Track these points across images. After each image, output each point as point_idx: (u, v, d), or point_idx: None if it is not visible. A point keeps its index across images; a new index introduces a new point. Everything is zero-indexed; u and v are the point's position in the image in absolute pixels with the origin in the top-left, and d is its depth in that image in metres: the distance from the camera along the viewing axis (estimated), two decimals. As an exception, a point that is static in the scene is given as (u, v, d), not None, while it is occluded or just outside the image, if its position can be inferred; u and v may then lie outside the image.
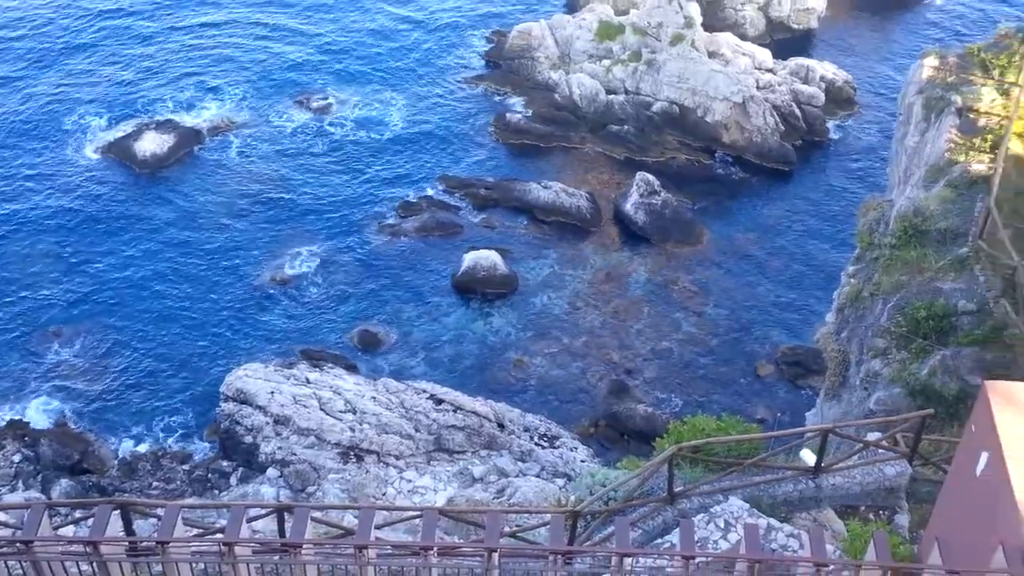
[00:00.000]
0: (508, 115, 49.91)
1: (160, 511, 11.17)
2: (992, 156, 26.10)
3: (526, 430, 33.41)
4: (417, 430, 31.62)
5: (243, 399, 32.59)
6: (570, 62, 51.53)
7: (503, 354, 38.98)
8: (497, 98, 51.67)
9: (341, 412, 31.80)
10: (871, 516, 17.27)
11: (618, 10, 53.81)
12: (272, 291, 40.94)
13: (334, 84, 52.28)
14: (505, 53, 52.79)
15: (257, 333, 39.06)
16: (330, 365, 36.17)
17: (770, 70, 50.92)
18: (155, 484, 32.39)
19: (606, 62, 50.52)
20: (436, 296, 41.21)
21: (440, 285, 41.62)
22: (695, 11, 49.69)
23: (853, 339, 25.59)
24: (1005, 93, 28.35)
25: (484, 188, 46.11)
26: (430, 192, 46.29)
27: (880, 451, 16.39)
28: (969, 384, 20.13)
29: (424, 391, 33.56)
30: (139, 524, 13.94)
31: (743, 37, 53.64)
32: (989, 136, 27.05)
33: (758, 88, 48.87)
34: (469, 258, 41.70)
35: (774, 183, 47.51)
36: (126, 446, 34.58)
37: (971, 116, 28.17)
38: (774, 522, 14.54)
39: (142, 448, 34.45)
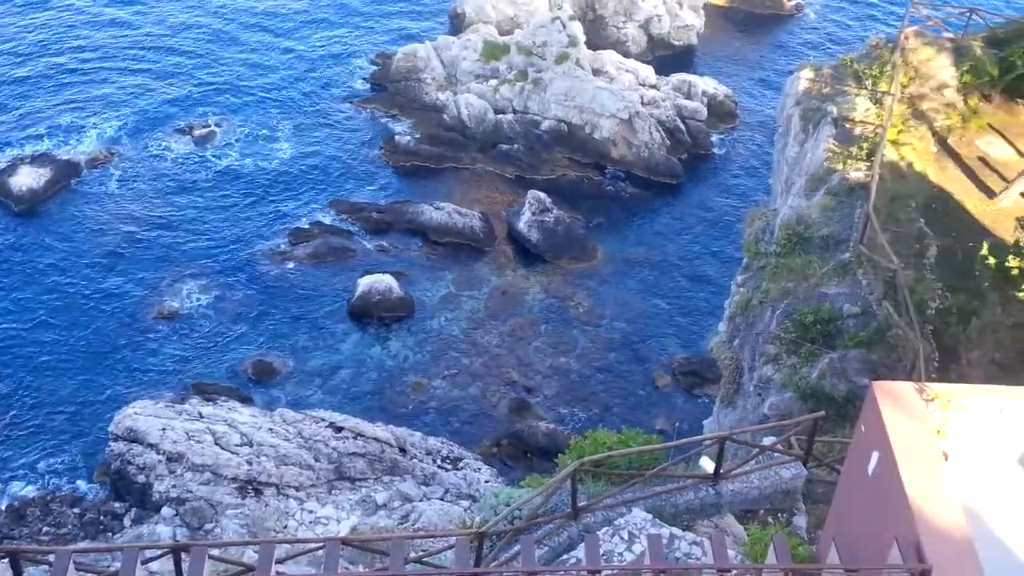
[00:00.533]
0: (397, 137, 49.67)
1: (51, 557, 10.79)
2: (868, 164, 27.04)
3: (428, 453, 33.09)
4: (317, 460, 30.99)
5: (133, 438, 31.45)
6: (457, 83, 51.60)
7: (402, 378, 38.60)
8: (385, 121, 51.37)
9: (237, 446, 30.95)
10: (770, 519, 17.55)
11: (502, 30, 54.19)
12: (160, 327, 39.69)
13: (218, 114, 51.14)
14: (391, 76, 52.58)
15: (146, 371, 37.81)
16: (224, 398, 35.21)
17: (653, 86, 51.91)
18: (45, 529, 30.98)
19: (493, 82, 50.77)
20: (331, 322, 40.59)
21: (335, 311, 41.01)
22: (578, 30, 50.38)
23: (745, 346, 26.10)
24: (878, 102, 29.43)
25: (376, 212, 45.72)
26: (321, 218, 45.65)
27: (776, 455, 16.69)
28: (857, 385, 20.69)
29: (323, 419, 32.95)
30: (30, 572, 13.27)
31: (626, 54, 54.60)
32: (865, 144, 28.02)
33: (643, 104, 49.76)
34: (364, 283, 41.23)
35: (663, 197, 48.37)
36: (13, 492, 33.01)
37: (847, 125, 29.17)
38: (677, 531, 14.64)
39: (30, 494, 32.92)
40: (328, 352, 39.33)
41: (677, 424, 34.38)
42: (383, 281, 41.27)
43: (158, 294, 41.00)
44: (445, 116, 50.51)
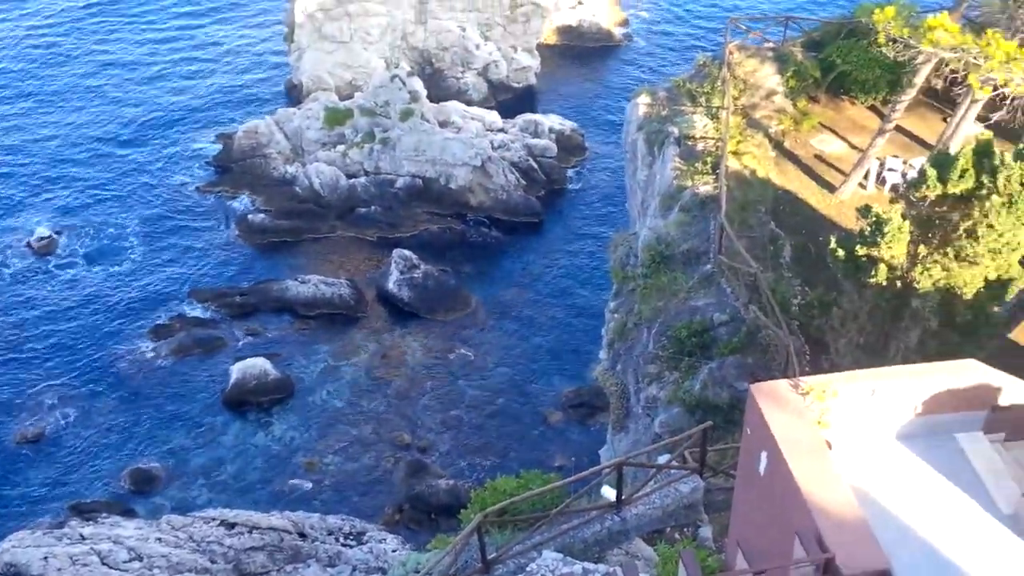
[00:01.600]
0: (250, 216, 48.71)
1: None
2: (715, 176, 27.87)
3: (330, 533, 32.06)
4: (213, 561, 29.62)
5: (15, 572, 29.46)
6: (304, 153, 51.11)
7: (291, 460, 37.48)
8: (235, 202, 50.26)
9: (126, 562, 29.31)
10: (677, 536, 17.60)
11: (343, 95, 54.06)
12: (24, 451, 37.48)
13: (54, 220, 48.90)
14: (234, 155, 51.66)
15: (17, 500, 35.61)
16: (104, 515, 33.36)
17: (501, 130, 52.55)
18: None
19: (340, 147, 50.48)
20: (208, 417, 39.16)
21: (210, 404, 39.61)
22: (419, 85, 50.66)
23: (628, 370, 26.34)
24: (714, 117, 30.45)
25: (239, 295, 44.57)
26: (183, 311, 44.11)
27: (672, 472, 16.77)
28: (738, 390, 21.09)
29: (213, 519, 31.54)
30: None
31: (469, 103, 55.16)
32: (709, 158, 28.89)
33: (493, 149, 50.25)
34: (236, 370, 40.00)
35: (527, 236, 48.78)
36: None
37: (689, 143, 30.04)
38: (588, 565, 14.49)
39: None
40: (209, 448, 37.90)
41: (573, 459, 34.40)
42: (256, 365, 40.14)
43: (17, 418, 38.79)
44: (297, 188, 49.88)
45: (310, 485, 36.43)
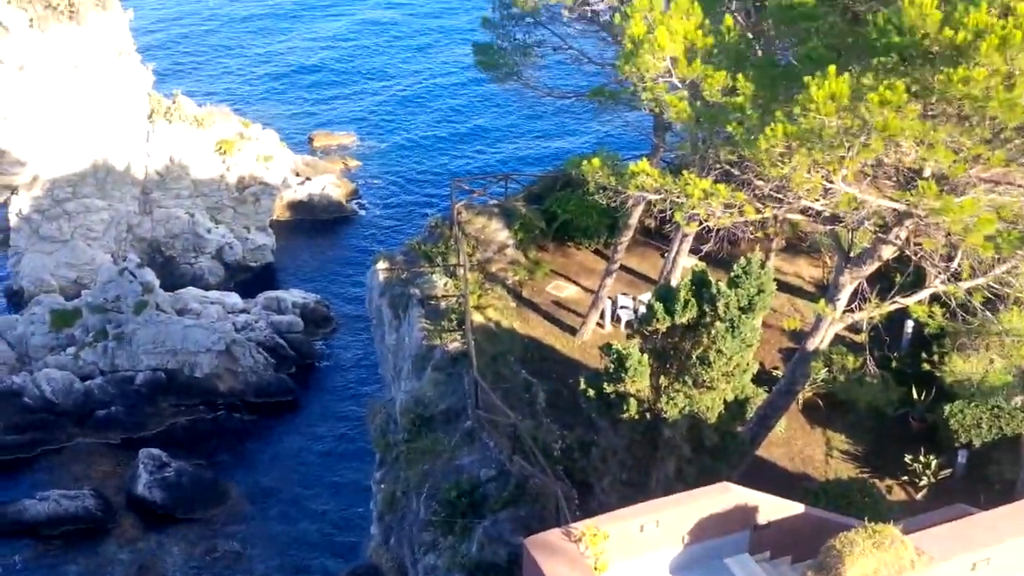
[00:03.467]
0: (-26, 437, 44.42)
1: None
2: (462, 332, 28.36)
3: None
4: None
5: None
6: (31, 361, 47.60)
7: None
8: (-44, 424, 45.77)
9: None
10: None
11: (69, 295, 51.19)
12: None
13: None
14: (-48, 374, 47.34)
15: None
16: None
17: (244, 310, 51.35)
18: None
19: (72, 349, 47.46)
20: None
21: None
22: (151, 275, 48.85)
23: (403, 542, 25.64)
24: (453, 275, 31.21)
25: (-32, 526, 40.09)
26: (-100, 554, 39.14)
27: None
28: (515, 545, 20.94)
29: None
30: None
31: (207, 287, 53.71)
32: (454, 315, 29.42)
33: (237, 331, 48.90)
34: (-29, 612, 35.65)
35: (282, 416, 47.27)
36: None
37: (433, 303, 30.53)
38: None
39: None
40: None
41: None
42: (-5, 602, 35.99)
43: None
44: (26, 399, 46.06)
45: None
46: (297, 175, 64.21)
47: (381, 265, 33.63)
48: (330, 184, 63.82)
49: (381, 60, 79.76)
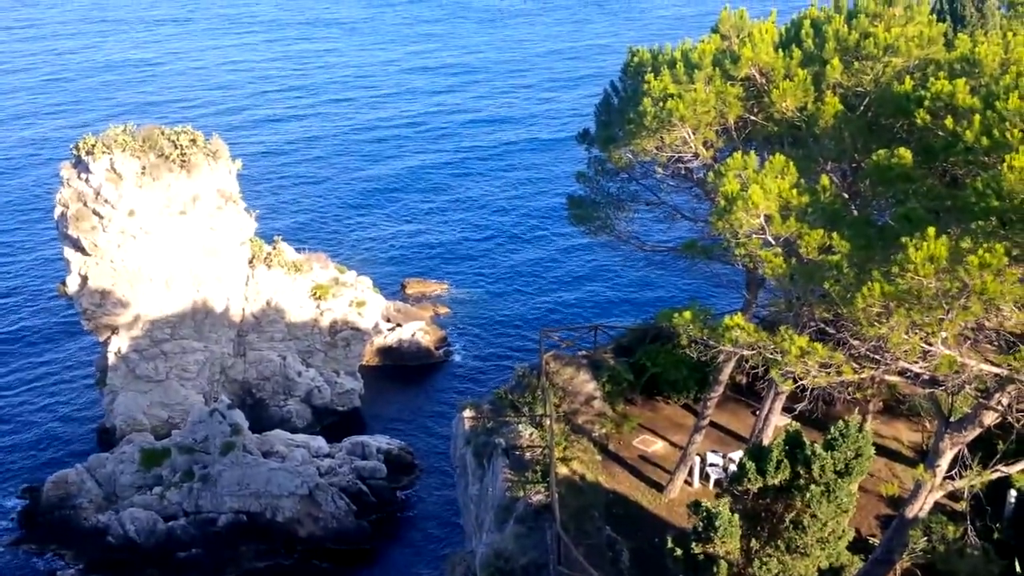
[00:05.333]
0: (59, 574, 44.77)
1: None
2: (546, 485, 27.88)
3: None
4: None
5: None
6: (118, 499, 48.27)
7: None
8: (42, 560, 46.26)
9: None
10: None
11: (159, 435, 52.18)
12: None
13: None
14: (42, 508, 48.16)
15: None
16: None
17: (328, 455, 51.59)
18: None
19: (158, 489, 48.05)
20: None
21: None
22: (240, 417, 49.63)
23: None
24: (539, 425, 30.94)
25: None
26: None
27: None
28: None
29: None
30: None
31: (294, 430, 54.27)
32: (538, 467, 29.01)
33: (321, 475, 49.01)
34: None
35: (356, 565, 46.72)
36: None
37: (517, 453, 30.20)
38: None
39: None
40: None
41: None
42: None
43: None
44: (110, 538, 46.55)
45: None
46: (388, 321, 65.40)
47: (467, 413, 33.56)
48: (420, 331, 64.75)
49: (474, 207, 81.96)
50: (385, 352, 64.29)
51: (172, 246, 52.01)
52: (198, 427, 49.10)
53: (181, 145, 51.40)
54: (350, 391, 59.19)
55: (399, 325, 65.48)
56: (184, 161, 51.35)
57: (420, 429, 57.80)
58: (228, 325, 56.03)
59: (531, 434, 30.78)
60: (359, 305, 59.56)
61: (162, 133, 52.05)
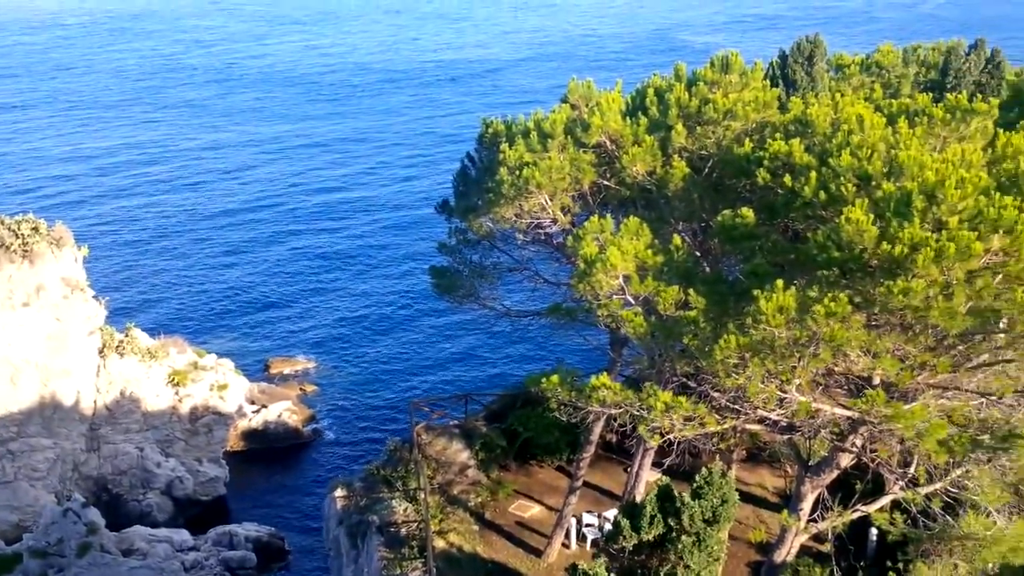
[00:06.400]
0: None
1: None
2: (423, 560, 27.51)
3: None
4: None
5: None
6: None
7: None
8: None
9: None
10: None
11: (9, 539, 49.07)
12: None
13: None
14: None
15: None
16: None
17: (193, 548, 49.50)
18: None
19: (10, 598, 45.06)
20: None
21: None
22: (96, 515, 47.17)
23: None
24: (413, 499, 30.59)
25: None
26: None
27: None
28: None
29: None
30: None
31: (155, 525, 51.88)
32: (414, 542, 28.63)
33: (186, 570, 46.94)
34: None
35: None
36: None
37: (392, 530, 29.73)
38: None
39: None
40: None
41: None
42: None
43: None
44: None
45: None
46: (252, 403, 63.66)
47: (338, 492, 32.94)
48: (286, 411, 63.25)
49: (335, 285, 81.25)
50: (251, 435, 62.43)
51: (16, 340, 49.59)
52: (51, 529, 46.38)
53: (22, 234, 49.37)
54: (214, 479, 57.11)
55: (264, 406, 63.85)
56: (26, 251, 49.30)
57: (291, 512, 56.18)
58: (79, 419, 53.47)
59: (406, 509, 30.42)
60: (220, 389, 57.87)
61: (2, 223, 49.92)
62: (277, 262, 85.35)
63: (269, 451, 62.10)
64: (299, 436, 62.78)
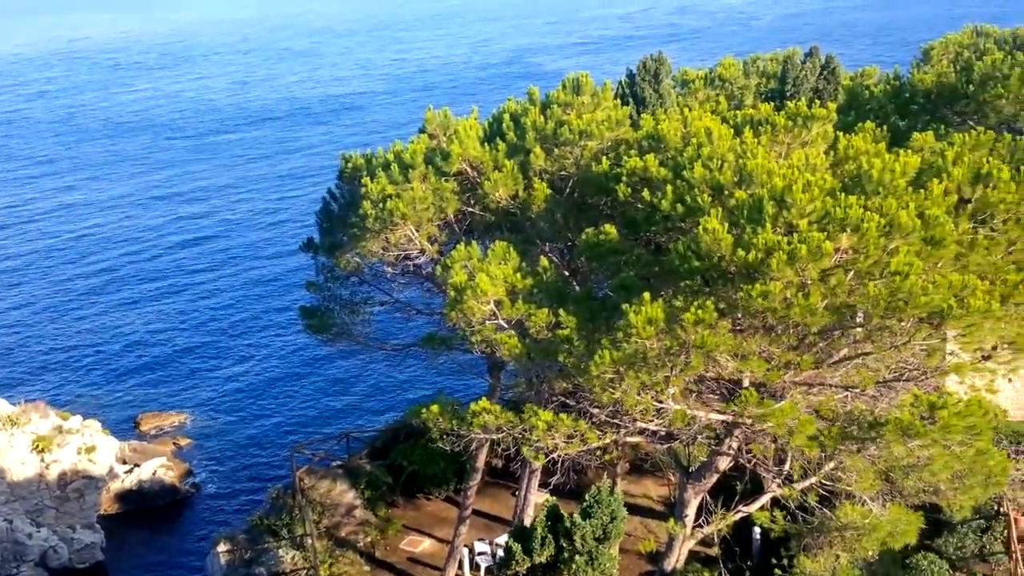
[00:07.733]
0: None
1: None
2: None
3: None
4: None
5: None
6: None
7: None
8: None
9: None
10: None
11: None
12: None
13: None
14: None
15: None
16: None
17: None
18: None
19: None
20: None
21: None
22: (-37, 597, 44.50)
23: None
24: (300, 546, 29.91)
25: None
26: None
27: None
28: None
29: None
30: None
31: (29, 601, 49.21)
32: (306, 590, 27.95)
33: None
34: None
35: None
36: None
37: (282, 578, 28.98)
38: None
39: None
40: None
41: None
42: None
43: None
44: None
45: None
46: (124, 463, 61.13)
47: (221, 547, 31.97)
48: (161, 467, 60.92)
49: (203, 334, 79.02)
50: (125, 496, 59.89)
51: None
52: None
53: None
54: (90, 545, 54.58)
55: (137, 465, 61.39)
56: None
57: (174, 572, 54.10)
58: (-62, 496, 50.42)
59: (293, 557, 29.75)
60: (89, 451, 55.43)
61: None
62: (139, 317, 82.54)
63: (146, 510, 59.70)
64: (177, 492, 60.54)
